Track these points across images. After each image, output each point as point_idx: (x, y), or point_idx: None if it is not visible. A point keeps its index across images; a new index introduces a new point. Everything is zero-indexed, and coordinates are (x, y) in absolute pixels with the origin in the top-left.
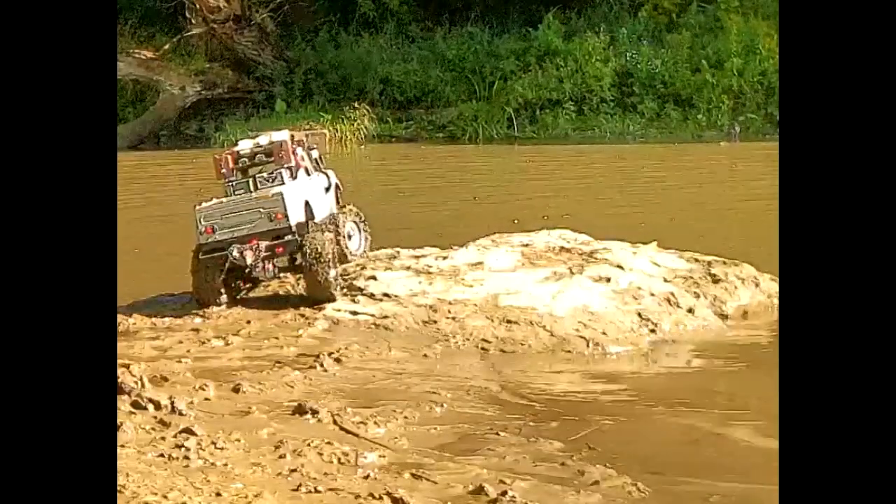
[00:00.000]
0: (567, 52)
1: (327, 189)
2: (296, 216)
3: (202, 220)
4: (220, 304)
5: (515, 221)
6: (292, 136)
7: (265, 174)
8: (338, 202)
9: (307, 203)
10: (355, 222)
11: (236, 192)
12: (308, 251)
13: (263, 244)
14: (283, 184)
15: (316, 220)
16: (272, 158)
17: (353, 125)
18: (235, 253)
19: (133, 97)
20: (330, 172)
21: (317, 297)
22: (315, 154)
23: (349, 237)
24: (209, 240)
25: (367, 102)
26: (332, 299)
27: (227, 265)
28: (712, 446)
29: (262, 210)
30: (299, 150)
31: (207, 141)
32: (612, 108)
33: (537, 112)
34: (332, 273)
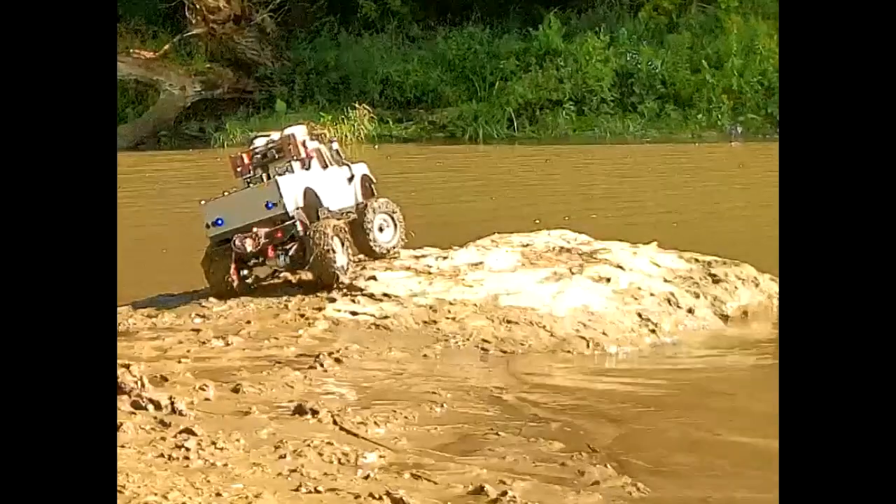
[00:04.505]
0: (567, 53)
1: (350, 180)
2: (292, 202)
3: (208, 214)
4: (236, 295)
5: (537, 221)
6: (311, 130)
7: (279, 167)
8: (373, 194)
9: (311, 190)
10: (390, 215)
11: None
12: (314, 235)
13: (262, 231)
14: (292, 174)
15: (331, 209)
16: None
17: (353, 125)
18: (237, 242)
19: (133, 97)
20: (357, 165)
21: (319, 280)
22: (335, 146)
23: (380, 230)
24: (216, 233)
25: (368, 102)
26: (334, 282)
27: (234, 255)
28: (712, 447)
29: (259, 199)
30: (311, 143)
31: (207, 141)
32: (612, 108)
33: (537, 112)
34: (339, 259)
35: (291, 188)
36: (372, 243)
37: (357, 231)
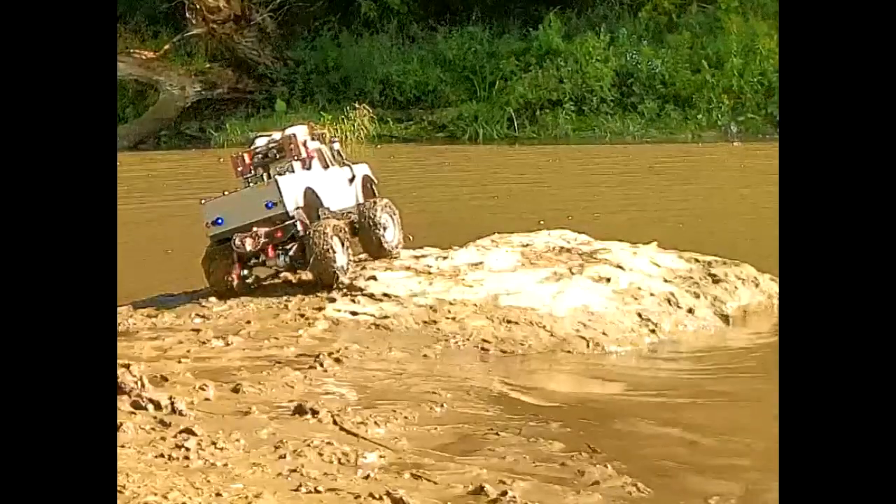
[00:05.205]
0: (567, 53)
1: (351, 181)
2: (292, 202)
3: (208, 213)
4: (236, 295)
5: (542, 222)
6: (312, 130)
7: (279, 167)
8: (374, 195)
9: (311, 190)
10: (391, 216)
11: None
12: (314, 235)
13: (262, 230)
14: (293, 174)
15: (331, 209)
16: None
17: (353, 125)
18: (237, 241)
19: (133, 97)
20: (359, 166)
21: (320, 280)
22: (336, 146)
23: (384, 228)
24: (216, 232)
25: (368, 102)
26: (334, 282)
27: (234, 255)
28: (712, 446)
29: (259, 199)
30: (312, 144)
31: (208, 141)
32: (612, 108)
33: (537, 112)
34: (339, 258)
35: (292, 188)
36: (384, 241)
37: (367, 230)
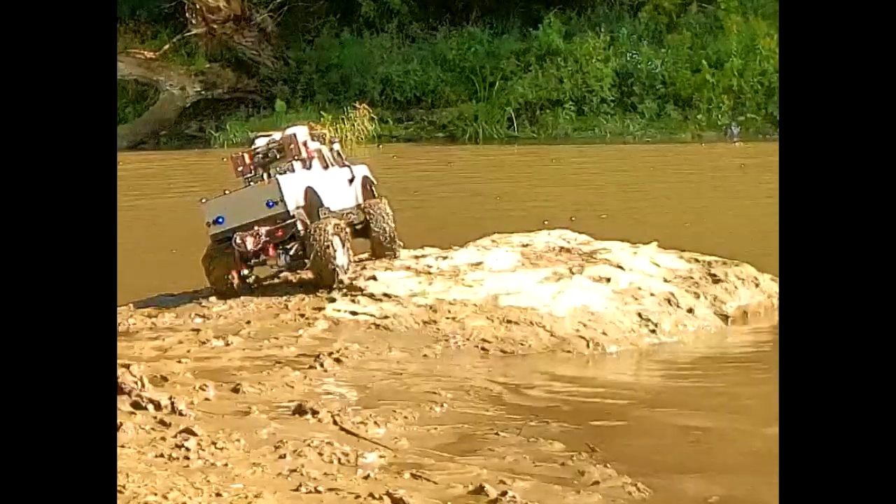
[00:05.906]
0: (567, 53)
1: (350, 181)
2: (293, 201)
3: (208, 213)
4: (235, 293)
5: (545, 222)
6: (312, 131)
7: (280, 167)
8: (373, 196)
9: (312, 190)
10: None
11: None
12: (314, 233)
13: (263, 229)
14: (293, 173)
15: (331, 209)
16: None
17: (353, 125)
18: (238, 240)
19: (133, 97)
20: (358, 167)
21: (319, 281)
22: (336, 147)
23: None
24: (216, 231)
25: (368, 102)
26: (333, 283)
27: (234, 253)
28: (712, 446)
29: (260, 198)
30: (313, 144)
31: (207, 141)
32: (612, 108)
33: (537, 112)
34: (339, 257)
35: (292, 187)
36: (395, 235)
37: (380, 223)
